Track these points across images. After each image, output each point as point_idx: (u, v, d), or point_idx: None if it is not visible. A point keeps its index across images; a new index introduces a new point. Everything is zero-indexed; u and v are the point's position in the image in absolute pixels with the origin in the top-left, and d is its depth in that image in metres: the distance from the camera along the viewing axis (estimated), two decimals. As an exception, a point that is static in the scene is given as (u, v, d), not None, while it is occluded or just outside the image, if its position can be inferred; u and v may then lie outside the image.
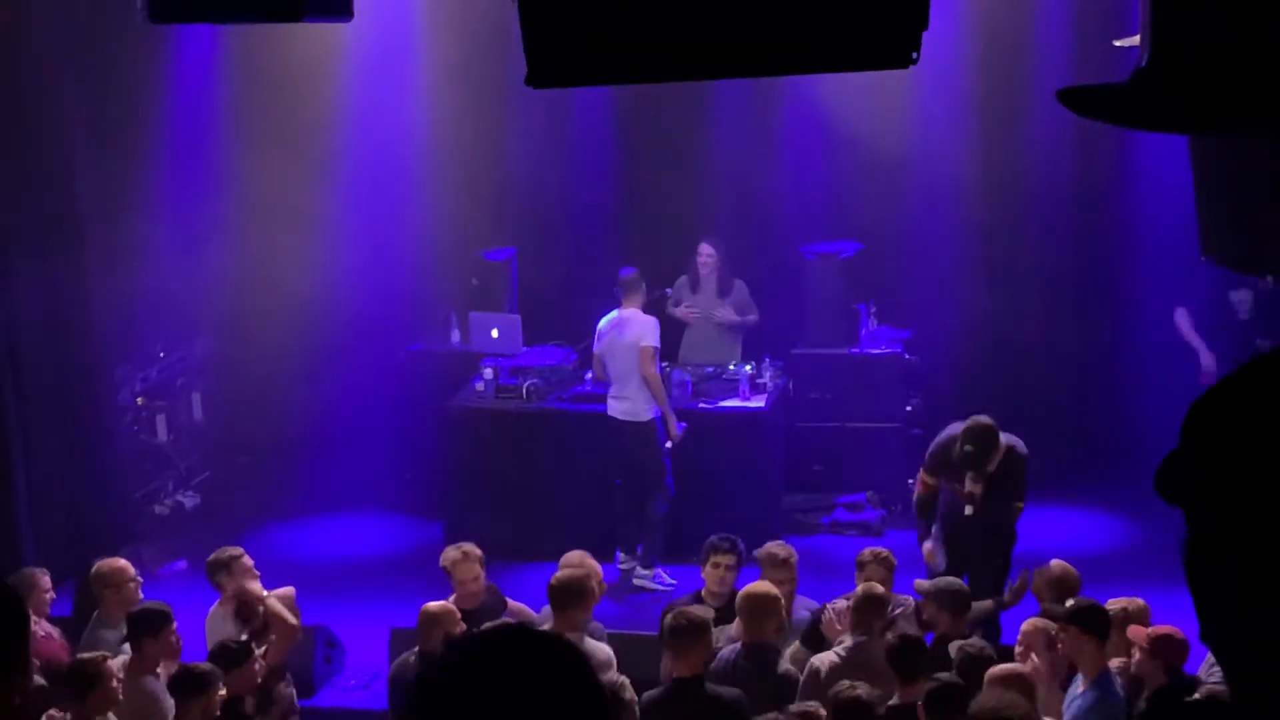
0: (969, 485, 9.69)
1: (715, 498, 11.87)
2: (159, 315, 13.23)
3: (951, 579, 8.83)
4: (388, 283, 13.49)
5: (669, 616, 7.92)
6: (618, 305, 11.92)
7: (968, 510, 9.70)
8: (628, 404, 11.75)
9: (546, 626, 8.40)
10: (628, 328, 11.76)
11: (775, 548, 9.12)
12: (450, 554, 9.11)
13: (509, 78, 4.32)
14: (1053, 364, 13.61)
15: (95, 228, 12.26)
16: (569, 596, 8.30)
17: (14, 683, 3.14)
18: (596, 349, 11.94)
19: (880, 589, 8.29)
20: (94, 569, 8.87)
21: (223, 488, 13.49)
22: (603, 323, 11.93)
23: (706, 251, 12.88)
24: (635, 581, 11.66)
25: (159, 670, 7.85)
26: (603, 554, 10.84)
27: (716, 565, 9.22)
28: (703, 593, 9.17)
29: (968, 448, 9.57)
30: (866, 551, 9.03)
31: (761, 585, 8.44)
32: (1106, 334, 13.55)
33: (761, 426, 12.29)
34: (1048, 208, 13.58)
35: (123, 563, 8.85)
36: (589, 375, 12.68)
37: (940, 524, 9.93)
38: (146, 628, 7.92)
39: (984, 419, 9.76)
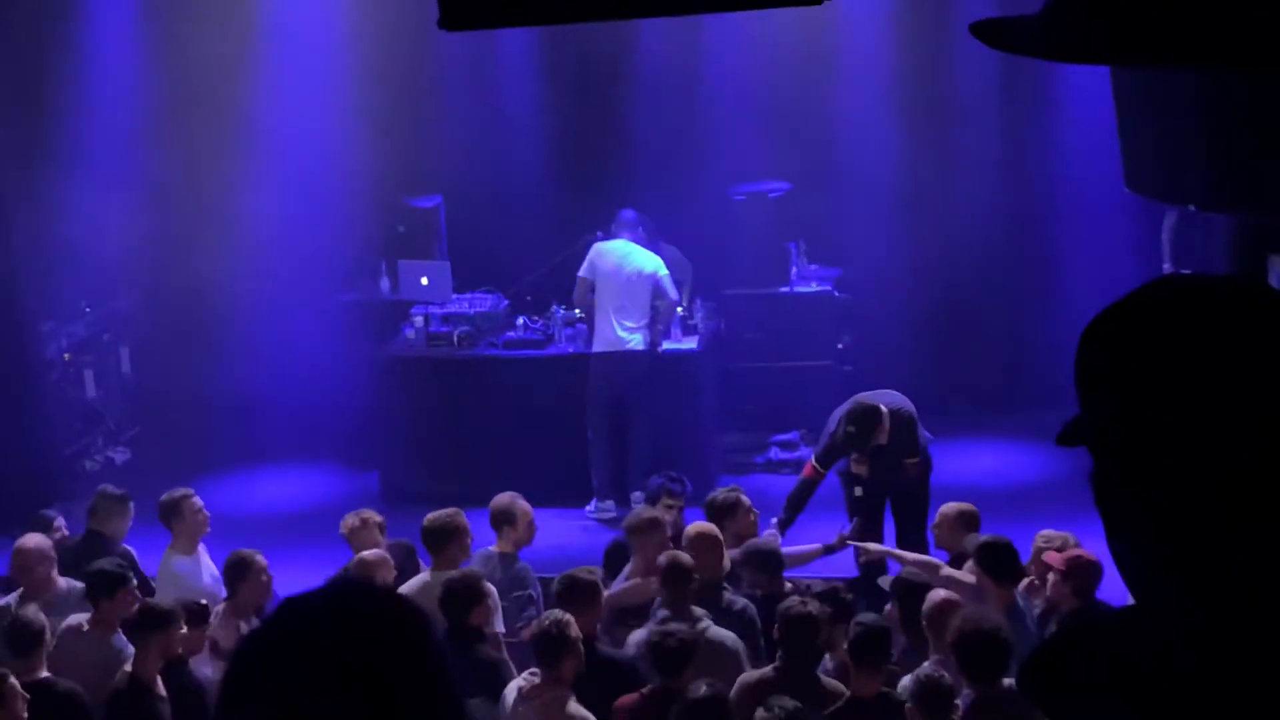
0: (854, 466, 9.80)
1: (649, 439, 11.89)
2: (83, 270, 13.08)
3: (759, 541, 8.81)
4: (315, 233, 13.38)
5: (556, 582, 7.84)
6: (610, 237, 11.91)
7: (856, 491, 9.78)
8: (638, 335, 11.79)
9: (423, 574, 8.49)
10: (639, 259, 11.75)
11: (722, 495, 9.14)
12: (349, 521, 9.15)
13: (430, 23, 4.26)
14: (984, 297, 13.68)
15: (13, 183, 12.09)
16: (439, 538, 8.44)
17: None
18: (587, 274, 11.77)
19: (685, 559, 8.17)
20: (14, 547, 8.77)
21: (154, 442, 13.38)
22: (601, 250, 11.80)
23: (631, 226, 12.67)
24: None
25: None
26: (540, 499, 10.86)
27: (670, 507, 9.27)
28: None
29: (850, 429, 9.67)
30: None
31: (705, 525, 8.49)
32: (1037, 265, 13.63)
33: (695, 368, 12.31)
34: (976, 141, 13.63)
35: (34, 543, 8.71)
36: (520, 320, 12.64)
37: (847, 500, 9.96)
38: (104, 588, 7.94)
39: (864, 399, 9.82)
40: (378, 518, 9.11)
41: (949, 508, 8.90)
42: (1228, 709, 1.46)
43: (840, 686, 7.10)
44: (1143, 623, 1.54)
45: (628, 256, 11.80)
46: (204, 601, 8.08)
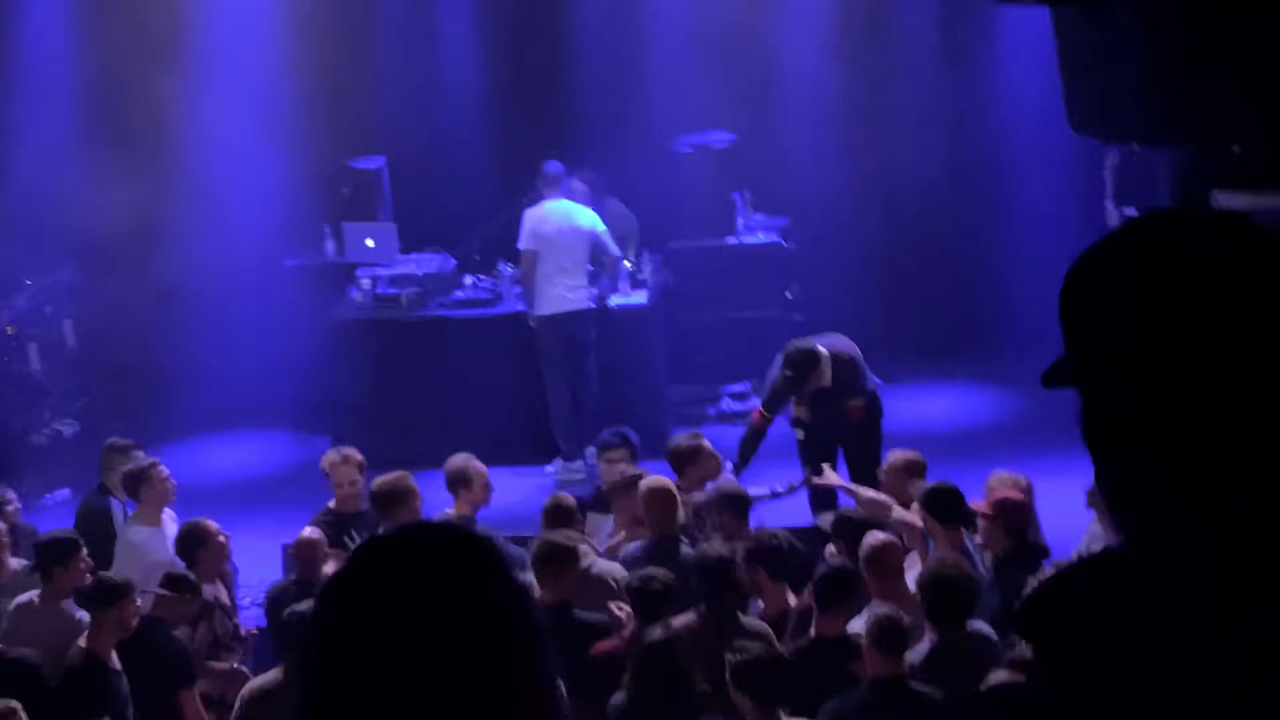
0: (795, 409, 9.80)
1: (602, 394, 11.89)
2: (22, 243, 12.93)
3: (730, 483, 8.87)
4: (257, 198, 13.26)
5: (535, 544, 7.85)
6: (539, 199, 11.85)
7: (799, 435, 9.80)
8: (582, 292, 11.74)
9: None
10: (578, 217, 11.69)
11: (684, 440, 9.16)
12: (330, 456, 9.22)
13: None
14: (931, 242, 13.71)
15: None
16: (389, 501, 8.44)
17: None
18: (532, 245, 11.71)
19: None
20: None
21: (102, 414, 13.25)
22: (538, 216, 11.74)
23: (579, 188, 12.60)
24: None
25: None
26: (497, 458, 10.84)
27: (611, 461, 9.29)
28: (602, 488, 9.23)
29: (788, 373, 9.68)
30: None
31: (660, 480, 8.50)
32: (984, 210, 13.66)
33: (644, 322, 12.30)
34: (919, 88, 13.63)
35: None
36: (469, 279, 12.59)
37: (799, 446, 9.98)
38: (56, 557, 7.89)
39: (801, 342, 9.83)
40: (358, 456, 9.14)
41: (895, 456, 8.92)
42: (1216, 650, 1.47)
43: (763, 627, 7.18)
44: (1133, 564, 1.54)
45: (565, 216, 11.76)
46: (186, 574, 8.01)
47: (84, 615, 7.73)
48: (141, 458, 9.16)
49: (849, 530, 7.92)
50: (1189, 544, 1.50)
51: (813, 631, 7.01)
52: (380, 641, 1.63)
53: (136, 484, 8.89)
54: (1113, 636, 1.50)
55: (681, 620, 7.15)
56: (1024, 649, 6.37)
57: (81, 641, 7.34)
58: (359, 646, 1.64)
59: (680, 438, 9.27)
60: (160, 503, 8.98)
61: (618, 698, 6.45)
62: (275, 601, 8.12)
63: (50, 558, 7.94)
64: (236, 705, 7.15)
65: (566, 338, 11.78)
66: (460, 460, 9.07)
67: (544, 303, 11.75)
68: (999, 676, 5.80)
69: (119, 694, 7.29)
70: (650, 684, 6.28)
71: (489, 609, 1.66)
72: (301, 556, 8.32)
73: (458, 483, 8.97)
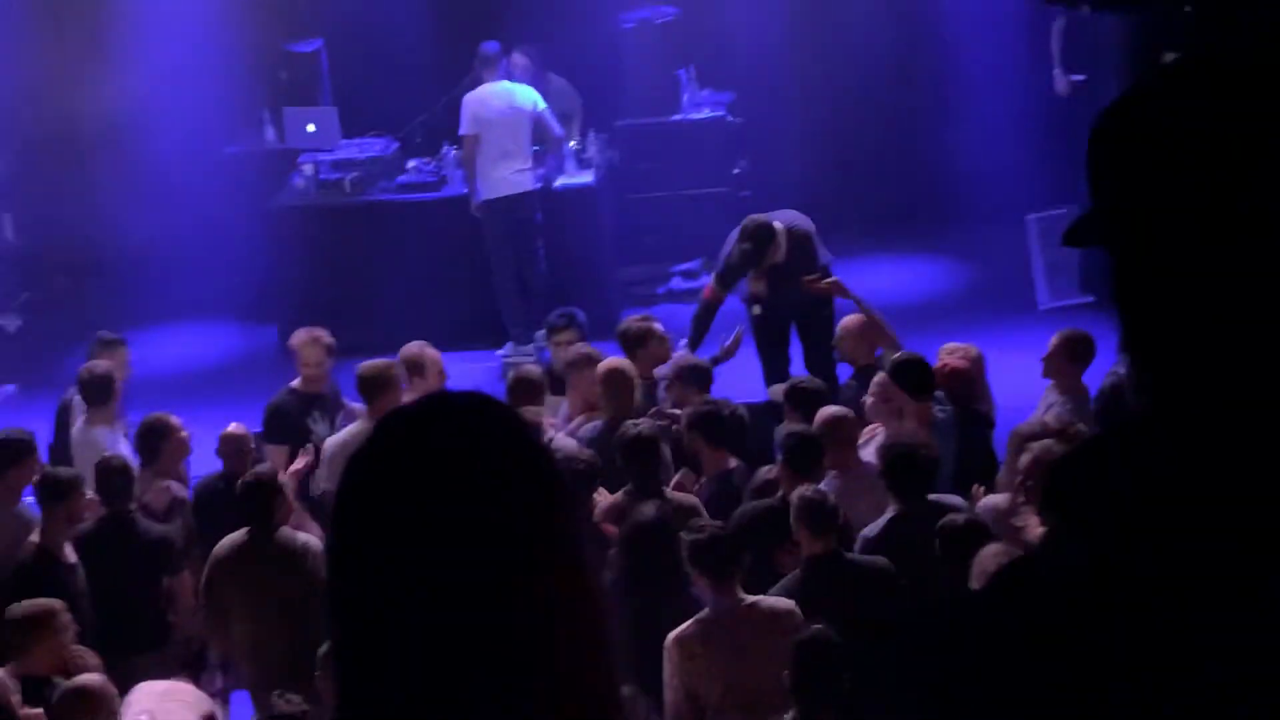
0: (751, 285, 9.75)
1: (549, 276, 11.80)
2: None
3: (690, 356, 8.84)
4: (195, 84, 13.02)
5: (511, 375, 8.06)
6: (477, 82, 11.66)
7: (755, 310, 9.76)
8: (527, 174, 11.60)
9: (358, 424, 8.44)
10: (518, 98, 11.52)
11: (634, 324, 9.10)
12: (299, 335, 9.15)
13: None
14: (878, 113, 13.61)
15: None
16: (375, 386, 8.39)
17: None
18: (473, 129, 11.52)
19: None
20: None
21: (44, 308, 13.11)
22: (478, 99, 11.54)
23: (520, 63, 12.40)
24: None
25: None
26: (448, 343, 10.76)
27: (560, 343, 9.25)
28: (554, 369, 9.18)
29: (745, 246, 9.61)
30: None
31: (617, 361, 8.47)
32: (932, 79, 13.55)
33: (591, 201, 12.19)
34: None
35: None
36: (412, 163, 12.43)
37: (750, 322, 9.93)
38: (10, 456, 7.77)
39: (757, 217, 9.76)
40: (328, 338, 9.07)
41: (849, 320, 8.91)
42: (1252, 524, 1.41)
43: (693, 500, 7.21)
44: (1165, 434, 1.48)
45: (505, 97, 11.58)
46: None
47: (38, 515, 7.66)
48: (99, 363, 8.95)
49: (803, 400, 7.92)
50: (1225, 412, 1.44)
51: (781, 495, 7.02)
52: (406, 510, 1.61)
53: (95, 390, 8.69)
54: (1142, 510, 1.44)
55: (610, 498, 7.20)
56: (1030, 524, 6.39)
57: (34, 537, 7.25)
58: (383, 517, 1.62)
59: (630, 320, 9.20)
60: (114, 405, 8.80)
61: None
62: (201, 494, 8.07)
63: (3, 458, 7.80)
64: (207, 565, 7.17)
65: (512, 221, 11.65)
66: (414, 348, 9.02)
67: (488, 186, 11.61)
68: (993, 551, 5.78)
69: (74, 587, 7.23)
70: (640, 559, 6.29)
71: (516, 472, 1.64)
72: (227, 451, 8.21)
73: (412, 370, 8.91)
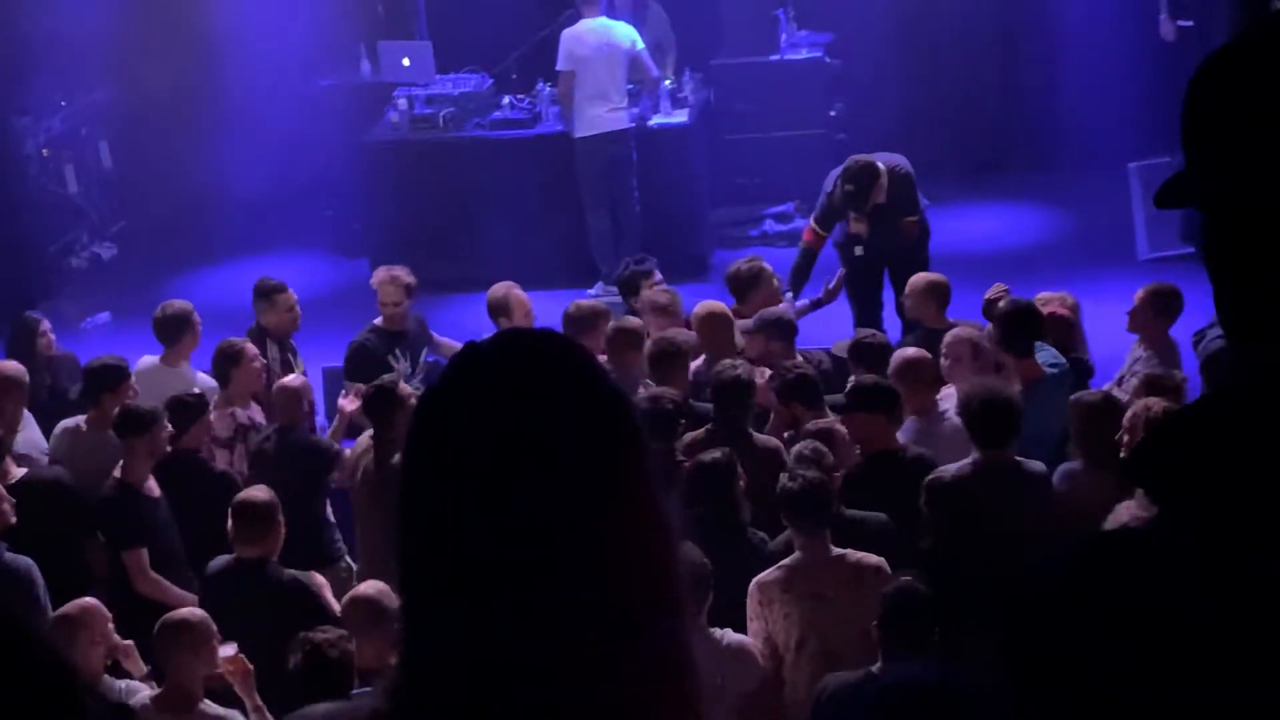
0: (853, 225, 9.62)
1: (643, 216, 11.72)
2: (55, 63, 12.76)
3: (774, 309, 8.71)
4: (291, 17, 13.03)
5: (650, 344, 7.91)
6: (576, 17, 11.57)
7: (857, 251, 9.63)
8: (621, 112, 11.53)
9: None
10: (615, 35, 11.44)
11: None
12: (379, 274, 9.17)
13: None
14: (977, 59, 13.38)
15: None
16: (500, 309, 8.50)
17: None
18: (569, 66, 11.42)
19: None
20: None
21: (140, 237, 13.22)
22: (575, 36, 11.43)
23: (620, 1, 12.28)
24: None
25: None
26: (536, 281, 10.73)
27: (652, 287, 9.14)
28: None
29: (848, 187, 9.50)
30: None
31: (715, 304, 8.42)
32: (1033, 25, 13.28)
33: (685, 141, 12.07)
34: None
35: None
36: (506, 99, 12.38)
37: (846, 266, 9.80)
38: (107, 382, 7.84)
39: (860, 157, 9.65)
40: (407, 277, 9.06)
41: (919, 278, 8.73)
42: None
43: (773, 441, 7.12)
44: (1259, 401, 1.40)
45: (602, 34, 11.48)
46: (198, 390, 7.97)
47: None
48: (179, 305, 8.95)
49: (868, 355, 7.81)
50: None
51: (858, 450, 6.92)
52: (475, 444, 1.60)
53: (176, 329, 8.71)
54: (1235, 479, 1.37)
55: (691, 434, 7.13)
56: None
57: (116, 472, 7.30)
58: (452, 451, 1.61)
59: (740, 263, 9.08)
60: (188, 349, 8.78)
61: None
62: (258, 454, 7.93)
63: (100, 383, 7.87)
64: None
65: (606, 160, 11.58)
66: (501, 289, 9.00)
67: (583, 124, 11.53)
68: (1120, 517, 5.66)
69: (158, 520, 7.29)
70: (697, 500, 6.21)
71: (586, 408, 1.62)
72: (279, 404, 8.10)
73: (498, 312, 8.88)
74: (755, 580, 6.00)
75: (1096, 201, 12.32)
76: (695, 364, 8.06)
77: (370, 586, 5.92)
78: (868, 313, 9.62)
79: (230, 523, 6.60)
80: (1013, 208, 12.80)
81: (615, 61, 11.44)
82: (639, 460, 1.64)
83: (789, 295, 9.41)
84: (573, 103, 11.51)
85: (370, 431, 7.65)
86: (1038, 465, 6.67)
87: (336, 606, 6.22)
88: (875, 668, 5.50)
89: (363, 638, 5.58)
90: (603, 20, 11.56)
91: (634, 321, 8.46)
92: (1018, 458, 6.60)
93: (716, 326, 8.17)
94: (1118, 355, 8.60)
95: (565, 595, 1.57)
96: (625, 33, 11.54)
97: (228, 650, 5.85)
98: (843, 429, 6.99)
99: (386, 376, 7.90)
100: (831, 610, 5.90)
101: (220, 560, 6.68)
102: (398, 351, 8.90)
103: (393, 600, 5.78)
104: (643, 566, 1.61)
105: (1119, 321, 8.59)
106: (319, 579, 6.68)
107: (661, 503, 1.65)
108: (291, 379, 8.30)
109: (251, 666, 5.94)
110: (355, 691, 5.20)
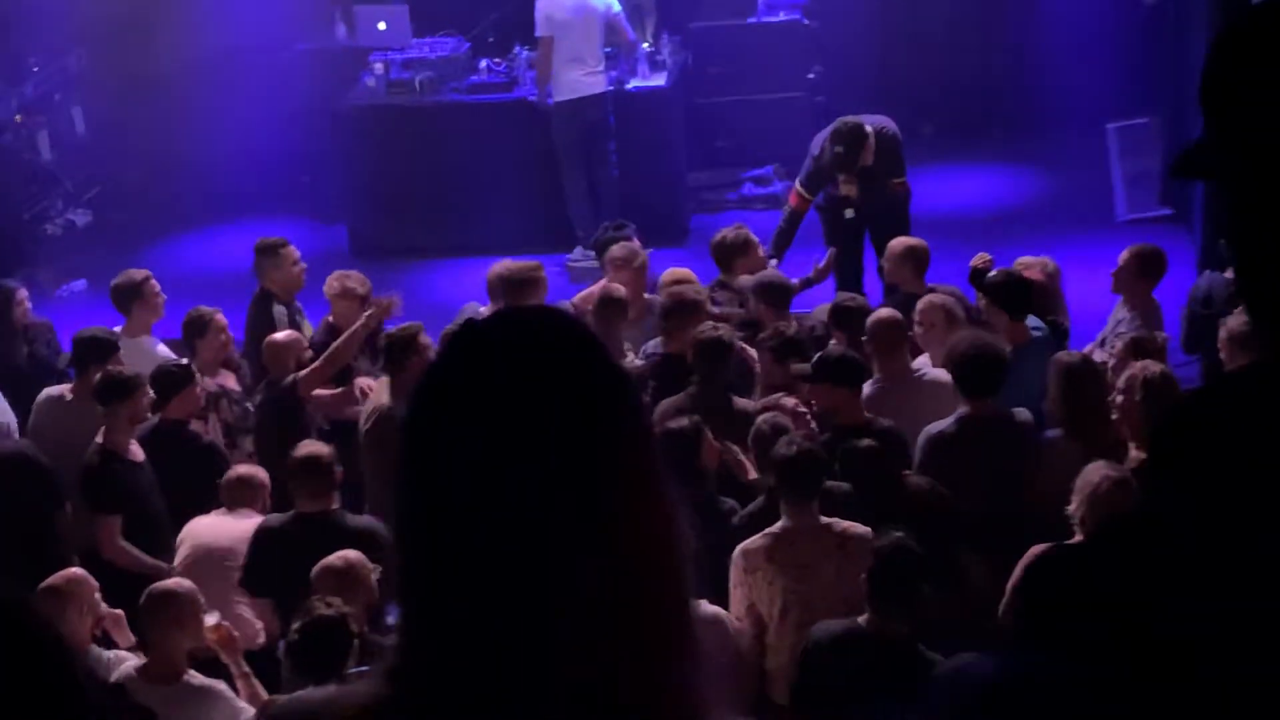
0: (843, 188, 9.61)
1: (621, 180, 11.67)
2: (26, 27, 12.65)
3: (771, 272, 8.71)
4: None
5: (663, 294, 7.95)
6: None
7: (848, 214, 9.62)
8: (599, 76, 11.46)
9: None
10: (591, 0, 11.37)
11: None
12: (331, 284, 8.83)
13: None
14: (957, 19, 13.32)
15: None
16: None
17: None
18: (547, 31, 11.32)
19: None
20: None
21: (115, 203, 13.13)
22: (553, 1, 11.30)
23: None
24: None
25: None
26: (514, 246, 10.68)
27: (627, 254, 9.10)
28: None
29: (838, 149, 9.48)
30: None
31: (681, 271, 8.41)
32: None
33: (662, 105, 12.02)
34: None
35: None
36: (483, 63, 12.29)
37: (828, 229, 9.80)
38: (95, 354, 7.78)
39: (849, 119, 9.62)
40: (361, 290, 8.72)
41: (897, 243, 8.71)
42: None
43: (750, 405, 7.13)
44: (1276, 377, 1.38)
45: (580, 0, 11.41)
46: (185, 361, 7.91)
47: None
48: (133, 274, 8.84)
49: (847, 319, 7.81)
50: None
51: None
52: (477, 426, 1.57)
53: (129, 298, 8.59)
54: (1255, 458, 1.35)
55: (673, 399, 7.13)
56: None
57: (99, 438, 7.27)
58: (454, 432, 1.58)
59: (726, 231, 9.04)
60: (150, 318, 8.64)
61: None
62: (256, 409, 8.00)
63: (89, 354, 7.79)
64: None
65: (584, 124, 11.51)
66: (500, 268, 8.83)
67: (561, 89, 11.46)
68: (1090, 478, 5.74)
69: (140, 484, 7.28)
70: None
71: (592, 394, 1.60)
72: (269, 359, 8.07)
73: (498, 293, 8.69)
74: (740, 547, 6.00)
75: (1075, 162, 12.33)
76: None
77: (338, 558, 5.89)
78: (849, 276, 9.61)
79: (291, 480, 6.65)
80: (991, 169, 12.78)
81: (592, 25, 11.38)
82: (642, 444, 1.62)
83: (773, 261, 9.39)
84: (551, 68, 11.44)
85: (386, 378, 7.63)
86: (1024, 413, 6.74)
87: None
88: (862, 619, 5.55)
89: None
90: None
91: (619, 290, 8.42)
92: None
93: (684, 309, 8.07)
94: (1096, 316, 8.62)
95: (565, 581, 1.55)
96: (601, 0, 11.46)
97: (210, 619, 5.84)
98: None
99: (406, 324, 7.82)
100: (816, 579, 5.90)
101: (276, 517, 6.71)
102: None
103: (365, 568, 5.79)
104: (646, 553, 1.59)
105: (1097, 283, 8.60)
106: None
107: (665, 488, 1.63)
108: (280, 334, 8.21)
109: (237, 634, 5.94)
110: (351, 670, 5.20)
